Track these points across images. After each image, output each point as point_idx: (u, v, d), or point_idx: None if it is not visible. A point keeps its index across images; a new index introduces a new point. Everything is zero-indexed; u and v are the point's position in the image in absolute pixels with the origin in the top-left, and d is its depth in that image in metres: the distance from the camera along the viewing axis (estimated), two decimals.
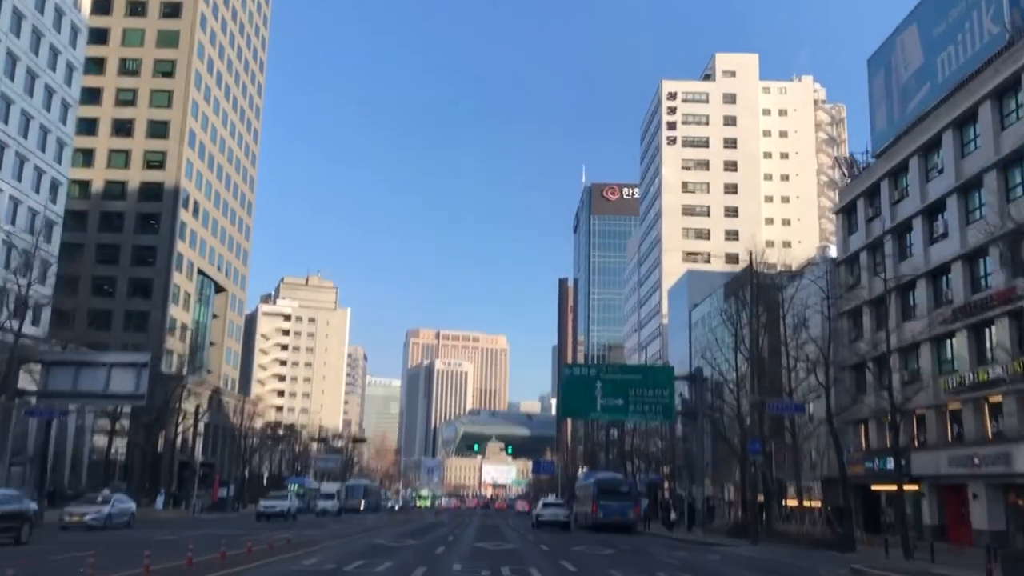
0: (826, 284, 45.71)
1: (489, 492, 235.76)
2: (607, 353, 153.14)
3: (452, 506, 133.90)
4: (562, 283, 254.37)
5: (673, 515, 48.00)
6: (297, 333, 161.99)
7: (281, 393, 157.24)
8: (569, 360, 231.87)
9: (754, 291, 45.84)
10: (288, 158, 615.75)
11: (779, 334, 49.50)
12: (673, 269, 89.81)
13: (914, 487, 37.37)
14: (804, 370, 41.94)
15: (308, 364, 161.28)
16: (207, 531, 31.93)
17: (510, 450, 72.56)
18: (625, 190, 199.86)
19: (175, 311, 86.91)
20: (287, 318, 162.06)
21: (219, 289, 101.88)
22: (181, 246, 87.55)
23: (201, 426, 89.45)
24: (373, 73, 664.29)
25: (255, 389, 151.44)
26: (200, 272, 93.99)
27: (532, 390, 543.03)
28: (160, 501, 60.14)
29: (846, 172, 45.96)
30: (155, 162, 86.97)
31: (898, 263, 39.09)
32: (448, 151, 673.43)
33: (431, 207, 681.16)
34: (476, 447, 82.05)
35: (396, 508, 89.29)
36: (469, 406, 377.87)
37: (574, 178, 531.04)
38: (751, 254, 44.14)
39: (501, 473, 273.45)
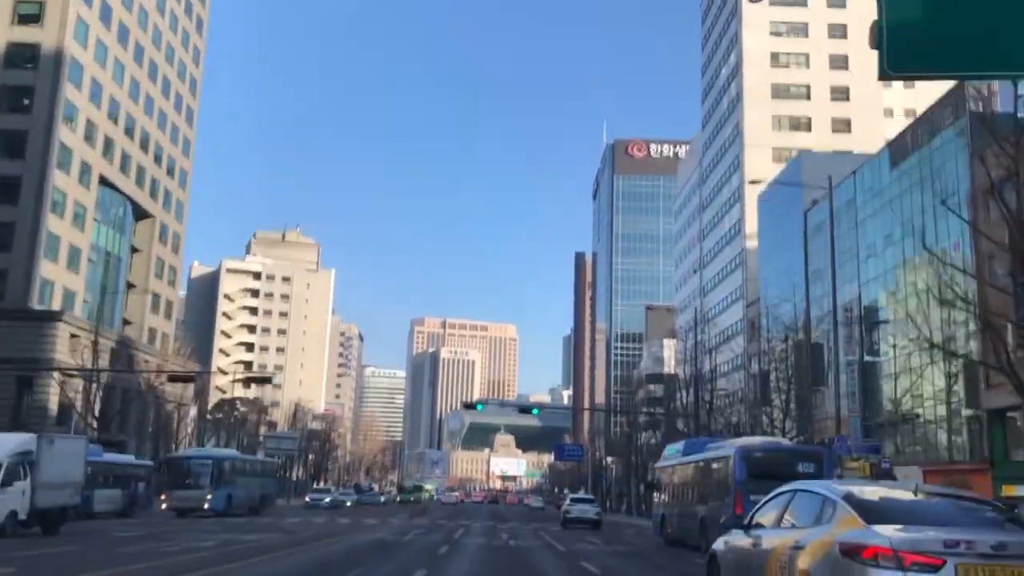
0: None
1: (498, 485, 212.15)
2: (645, 316, 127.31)
3: (454, 500, 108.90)
4: (579, 257, 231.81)
5: None
6: (268, 295, 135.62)
7: (248, 365, 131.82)
8: (587, 345, 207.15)
9: None
10: (282, 135, 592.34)
11: None
12: (760, 171, 64.05)
13: None
14: None
15: (282, 332, 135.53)
16: None
17: (536, 412, 50.91)
18: (652, 146, 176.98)
19: (58, 227, 61.73)
20: (256, 276, 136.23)
21: (143, 215, 76.76)
22: (69, 137, 62.38)
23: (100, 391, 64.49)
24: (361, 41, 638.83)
25: (217, 360, 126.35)
26: (105, 182, 68.84)
27: (542, 383, 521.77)
28: None
29: None
30: (28, 15, 61.70)
31: None
32: (451, 125, 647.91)
33: (436, 194, 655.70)
34: (480, 407, 60.33)
35: (348, 504, 61.55)
36: (476, 397, 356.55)
37: (593, 146, 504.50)
38: None
39: (511, 465, 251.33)
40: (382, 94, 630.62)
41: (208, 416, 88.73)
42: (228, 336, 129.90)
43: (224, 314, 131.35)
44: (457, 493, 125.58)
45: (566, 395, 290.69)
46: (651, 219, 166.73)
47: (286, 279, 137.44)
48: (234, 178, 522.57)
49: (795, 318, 47.85)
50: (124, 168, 71.80)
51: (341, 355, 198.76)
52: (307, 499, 59.00)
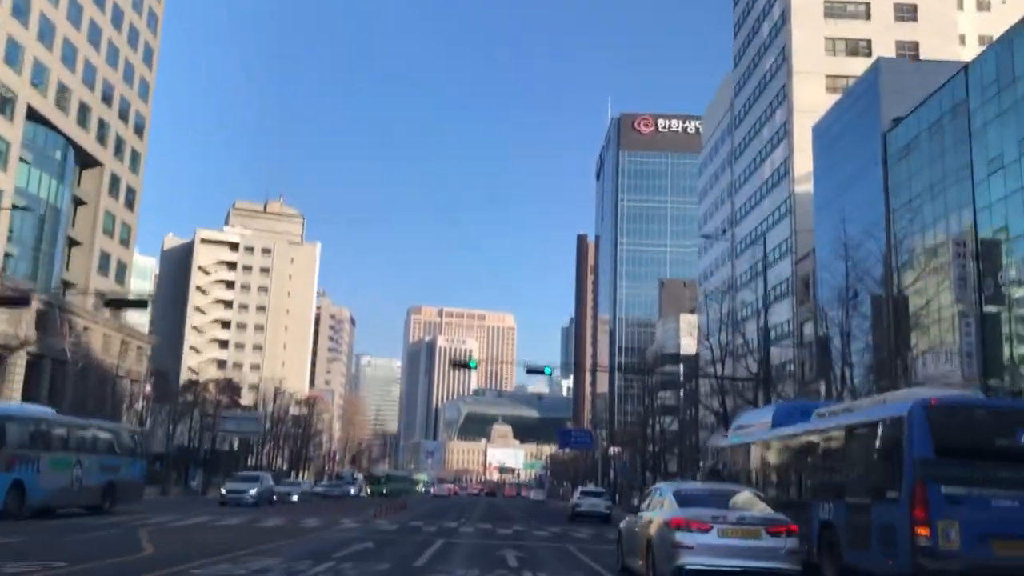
0: None
1: (495, 477, 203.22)
2: (659, 292, 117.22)
3: (446, 492, 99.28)
4: (581, 239, 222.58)
5: None
6: (247, 268, 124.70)
7: (225, 344, 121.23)
8: (588, 334, 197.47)
9: None
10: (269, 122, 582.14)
11: None
12: (811, 103, 54.07)
13: None
14: None
15: (261, 308, 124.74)
16: None
17: (548, 371, 42.34)
18: (660, 121, 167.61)
19: None
20: (234, 247, 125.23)
21: (90, 163, 66.64)
22: None
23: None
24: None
25: (190, 338, 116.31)
26: (38, 118, 58.63)
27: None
28: None
29: None
30: None
31: None
32: (449, 112, 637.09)
33: (433, 186, 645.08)
34: (473, 364, 51.99)
35: (293, 498, 48.87)
36: (473, 386, 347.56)
37: (595, 132, 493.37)
38: None
39: (508, 456, 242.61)
40: (377, 80, 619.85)
41: (180, 398, 79.19)
42: (203, 312, 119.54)
43: (198, 288, 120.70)
44: (450, 485, 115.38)
45: (565, 386, 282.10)
46: (659, 197, 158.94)
47: (266, 251, 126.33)
48: (220, 151, 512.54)
49: (863, 269, 37.02)
50: (62, 104, 61.56)
51: (331, 339, 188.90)
52: (222, 491, 40.63)
